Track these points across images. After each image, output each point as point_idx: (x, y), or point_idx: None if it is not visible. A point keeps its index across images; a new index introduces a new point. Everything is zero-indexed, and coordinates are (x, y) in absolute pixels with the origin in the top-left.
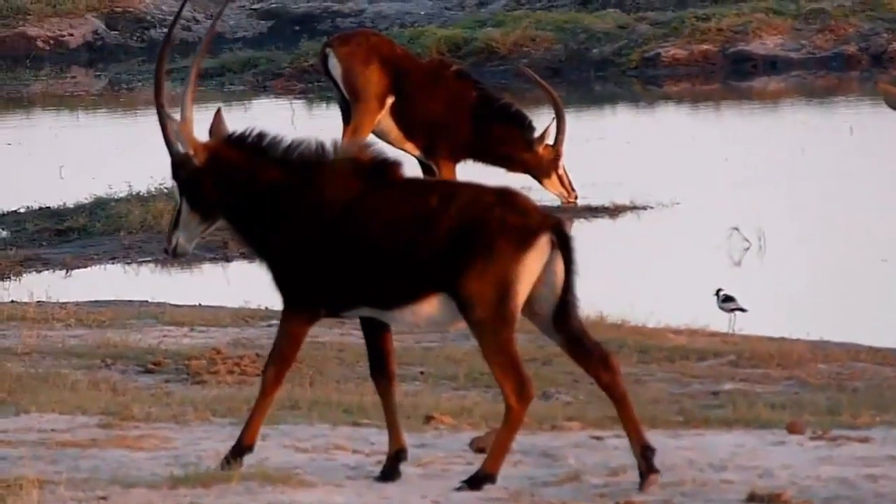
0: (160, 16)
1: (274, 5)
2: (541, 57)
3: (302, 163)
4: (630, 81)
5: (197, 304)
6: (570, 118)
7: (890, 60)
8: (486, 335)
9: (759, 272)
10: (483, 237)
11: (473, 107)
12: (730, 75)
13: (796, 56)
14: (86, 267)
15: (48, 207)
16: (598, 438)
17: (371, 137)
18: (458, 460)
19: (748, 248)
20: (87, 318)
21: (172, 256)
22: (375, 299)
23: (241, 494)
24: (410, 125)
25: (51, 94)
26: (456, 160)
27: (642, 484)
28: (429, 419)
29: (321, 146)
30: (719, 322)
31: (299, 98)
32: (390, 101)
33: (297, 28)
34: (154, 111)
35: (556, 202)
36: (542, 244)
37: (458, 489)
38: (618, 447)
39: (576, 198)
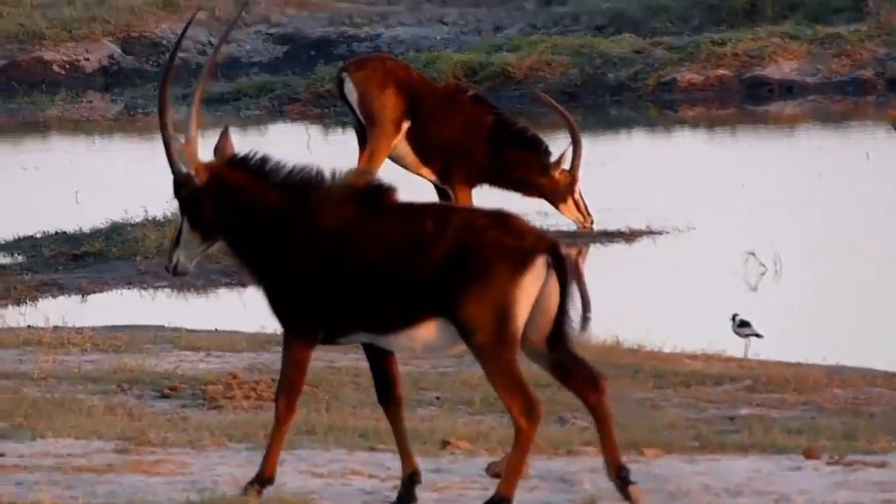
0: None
1: (290, 30)
2: (557, 81)
3: (299, 188)
4: (646, 106)
5: (213, 328)
6: (586, 143)
7: None
8: (488, 359)
9: (775, 297)
10: (479, 260)
11: (489, 131)
12: (745, 100)
13: (812, 81)
14: (102, 292)
15: (64, 232)
16: None
17: (387, 162)
18: (475, 485)
19: (764, 273)
20: (103, 342)
21: (173, 274)
22: (372, 324)
23: None
24: (426, 150)
25: (67, 118)
26: (472, 185)
27: (629, 500)
28: (445, 444)
29: (319, 172)
30: (735, 347)
31: (315, 123)
32: (406, 125)
33: (312, 53)
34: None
35: (573, 227)
36: (539, 266)
37: None
38: (634, 472)
39: (592, 223)
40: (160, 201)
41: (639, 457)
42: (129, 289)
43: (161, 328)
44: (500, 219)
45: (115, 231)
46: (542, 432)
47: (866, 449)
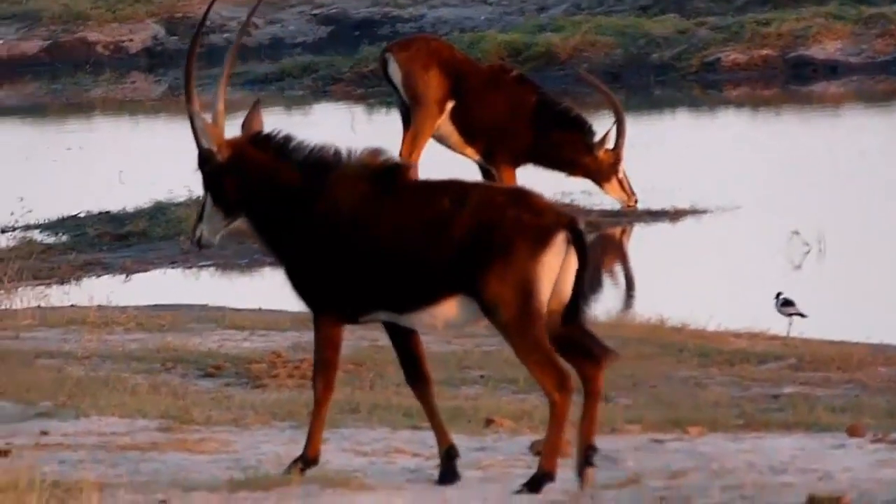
0: (220, 21)
1: (334, 10)
2: (600, 62)
3: (318, 167)
4: (690, 86)
5: (257, 307)
6: (630, 123)
7: None
8: (515, 336)
9: (819, 275)
10: (499, 239)
11: (533, 111)
12: (789, 80)
13: (856, 61)
14: (146, 271)
15: (108, 212)
16: (659, 441)
17: (431, 142)
18: (519, 463)
19: (808, 252)
20: (147, 322)
21: (197, 248)
22: (392, 303)
23: (301, 498)
24: (470, 130)
25: (110, 99)
26: (516, 164)
27: (581, 479)
28: (489, 422)
29: (338, 152)
30: (780, 325)
31: (359, 103)
32: (450, 105)
33: (356, 33)
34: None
35: (616, 206)
36: (559, 242)
37: (518, 492)
38: (678, 450)
39: (636, 202)
40: None
41: (683, 434)
42: (172, 268)
43: (205, 307)
44: (519, 196)
45: (159, 210)
46: None
47: None
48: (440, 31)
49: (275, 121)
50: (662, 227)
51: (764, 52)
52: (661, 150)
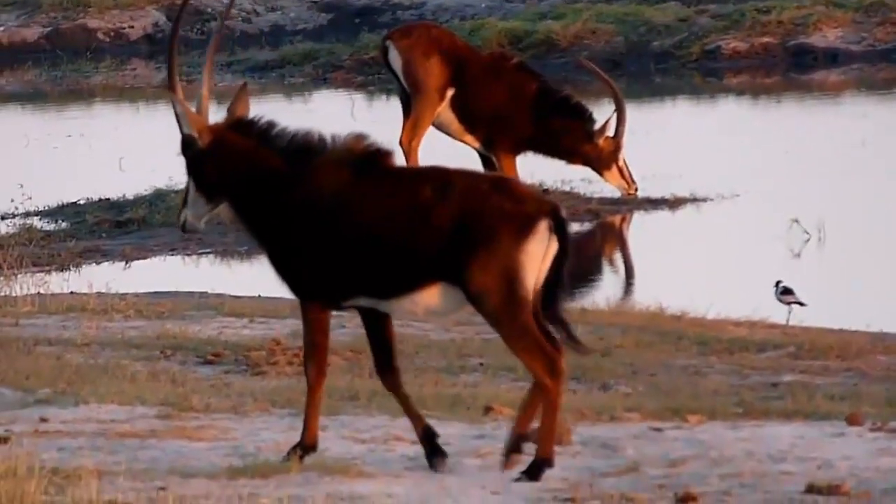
0: (220, 8)
1: None
2: (601, 49)
3: (300, 153)
4: (690, 74)
5: (256, 295)
6: (630, 111)
7: None
8: (502, 324)
9: (818, 264)
10: (483, 227)
11: (534, 99)
12: (790, 68)
13: (857, 49)
14: (145, 258)
15: (108, 199)
16: (658, 430)
17: (431, 130)
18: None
19: (808, 240)
20: (146, 309)
21: (183, 231)
22: (373, 289)
23: (300, 485)
24: (471, 117)
25: (111, 86)
26: (516, 152)
27: (506, 461)
28: (488, 410)
29: (321, 138)
30: (779, 314)
31: (359, 90)
32: (450, 93)
33: (357, 20)
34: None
35: (616, 194)
36: (542, 230)
37: (517, 480)
38: (677, 438)
39: (636, 190)
40: None
41: (682, 423)
42: (172, 255)
43: (204, 294)
44: (501, 184)
45: (159, 198)
46: (586, 399)
47: None
48: (441, 19)
49: (275, 108)
50: (662, 215)
51: (764, 39)
52: (662, 138)
